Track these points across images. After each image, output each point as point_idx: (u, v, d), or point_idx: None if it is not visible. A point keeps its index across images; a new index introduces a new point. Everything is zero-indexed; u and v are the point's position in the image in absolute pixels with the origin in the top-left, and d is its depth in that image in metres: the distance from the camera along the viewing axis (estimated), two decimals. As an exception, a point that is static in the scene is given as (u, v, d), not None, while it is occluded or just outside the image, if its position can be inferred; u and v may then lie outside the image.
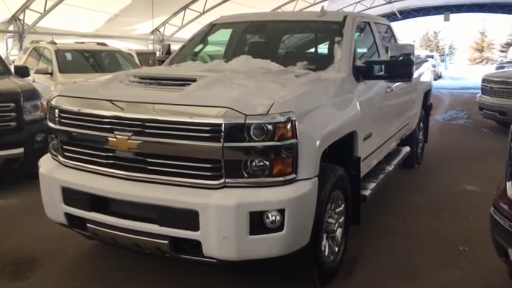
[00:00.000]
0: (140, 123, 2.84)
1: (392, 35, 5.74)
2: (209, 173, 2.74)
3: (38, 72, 9.34)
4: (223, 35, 4.81)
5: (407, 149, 5.93)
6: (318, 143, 2.96)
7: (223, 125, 2.66)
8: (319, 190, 3.01)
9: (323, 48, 4.40)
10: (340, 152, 3.55)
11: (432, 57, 30.29)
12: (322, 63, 3.97)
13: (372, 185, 4.33)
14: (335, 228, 3.40)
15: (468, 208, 5.08)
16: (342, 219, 3.53)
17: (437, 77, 28.82)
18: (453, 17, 31.83)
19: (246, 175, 2.73)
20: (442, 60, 38.24)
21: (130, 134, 2.87)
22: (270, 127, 2.67)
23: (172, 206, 2.77)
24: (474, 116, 11.81)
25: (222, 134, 2.66)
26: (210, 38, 4.79)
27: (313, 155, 2.92)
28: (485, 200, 5.55)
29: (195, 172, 2.77)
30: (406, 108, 5.72)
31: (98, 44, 11.43)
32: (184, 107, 2.78)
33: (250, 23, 4.85)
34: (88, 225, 3.08)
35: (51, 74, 9.26)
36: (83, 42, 12.09)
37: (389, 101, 4.81)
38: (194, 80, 3.09)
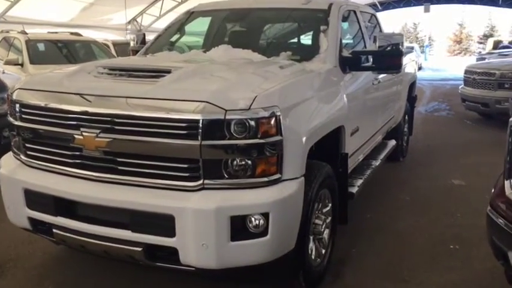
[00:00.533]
0: (109, 119, 2.57)
1: (377, 24, 5.54)
2: (186, 174, 2.50)
3: (7, 63, 8.92)
4: (201, 24, 4.53)
5: (393, 142, 5.76)
6: (304, 139, 2.73)
7: (200, 121, 2.41)
8: (306, 190, 2.80)
9: (308, 38, 4.16)
10: (327, 148, 3.34)
11: (412, 48, 30.32)
12: (307, 53, 3.75)
13: (359, 182, 4.13)
14: (322, 230, 3.19)
15: (456, 204, 4.94)
16: (329, 220, 3.31)
17: (418, 68, 28.88)
18: (433, 8, 31.93)
19: (226, 176, 2.49)
20: (422, 52, 38.38)
21: (98, 131, 2.60)
22: (252, 123, 2.43)
23: (146, 210, 2.52)
24: (456, 107, 11.74)
25: (200, 131, 2.41)
26: (188, 27, 4.51)
27: (300, 153, 2.70)
28: (472, 194, 5.46)
29: (171, 173, 2.52)
30: (392, 100, 5.54)
31: (72, 34, 11.00)
32: (157, 101, 2.52)
33: (230, 10, 4.57)
34: (54, 230, 2.81)
35: (21, 65, 8.85)
36: (56, 32, 11.63)
37: (377, 94, 4.61)
38: (169, 72, 2.82)
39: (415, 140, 7.72)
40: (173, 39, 4.43)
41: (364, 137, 4.27)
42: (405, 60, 6.52)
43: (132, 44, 4.71)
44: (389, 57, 3.70)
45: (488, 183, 3.08)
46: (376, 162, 4.85)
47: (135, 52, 4.61)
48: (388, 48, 3.72)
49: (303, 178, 2.72)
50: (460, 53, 57.57)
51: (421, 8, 29.41)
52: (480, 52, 35.34)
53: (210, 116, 2.41)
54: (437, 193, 5.28)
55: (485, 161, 6.67)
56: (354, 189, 3.91)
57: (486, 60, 14.79)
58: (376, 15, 5.57)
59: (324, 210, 3.25)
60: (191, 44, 4.43)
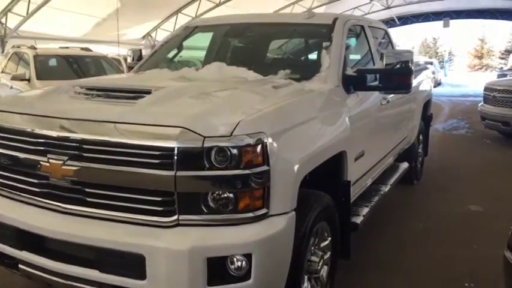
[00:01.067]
0: (77, 145, 2.32)
1: (390, 41, 5.23)
2: (159, 208, 2.22)
3: (14, 78, 8.85)
4: (201, 39, 4.29)
5: (405, 165, 5.41)
6: (296, 169, 2.43)
7: (175, 149, 2.13)
8: (299, 225, 2.49)
9: (310, 55, 3.88)
10: (326, 176, 3.04)
11: (431, 63, 29.84)
12: (307, 71, 3.46)
13: (365, 210, 3.80)
14: (319, 267, 2.86)
15: (473, 233, 4.56)
16: (327, 255, 2.99)
17: (437, 84, 28.33)
18: (452, 23, 31.43)
19: (205, 211, 2.20)
20: (442, 67, 37.80)
21: (65, 158, 2.34)
22: (234, 151, 2.15)
23: (114, 248, 2.24)
24: (475, 125, 11.30)
25: (175, 160, 2.14)
26: (187, 43, 4.27)
27: (290, 184, 2.40)
28: (490, 222, 5.06)
29: (143, 206, 2.24)
30: (404, 120, 5.21)
31: (82, 49, 10.92)
32: (129, 126, 2.26)
33: (230, 25, 4.33)
34: (20, 266, 2.55)
35: (28, 80, 8.75)
36: (67, 47, 11.59)
37: (386, 114, 4.29)
38: (149, 92, 2.57)
39: (430, 161, 7.33)
40: (170, 55, 4.19)
41: (371, 162, 3.94)
42: (420, 77, 6.22)
43: (128, 59, 4.45)
44: (397, 76, 3.39)
45: (507, 209, 2.73)
46: (386, 188, 4.51)
47: (130, 69, 4.39)
48: (398, 66, 3.43)
49: (293, 213, 2.41)
50: (480, 68, 56.66)
51: (441, 23, 28.97)
52: (502, 68, 34.64)
53: (186, 143, 2.14)
54: (453, 220, 4.90)
55: (504, 185, 6.28)
56: (359, 219, 3.58)
57: (508, 77, 14.32)
58: (388, 31, 5.27)
59: (322, 245, 2.93)
60: (189, 59, 4.19)
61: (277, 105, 2.53)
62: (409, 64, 3.40)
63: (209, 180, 2.17)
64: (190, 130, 2.15)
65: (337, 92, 3.29)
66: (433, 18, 28.26)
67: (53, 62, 9.79)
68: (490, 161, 7.80)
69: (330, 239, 2.99)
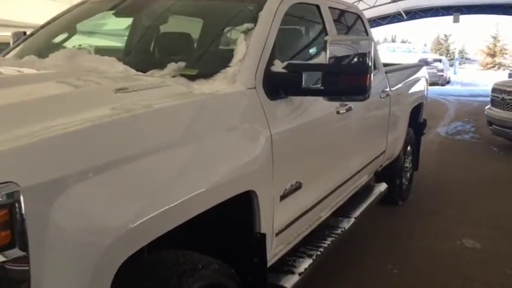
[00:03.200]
0: None
1: (365, 31, 4.11)
2: None
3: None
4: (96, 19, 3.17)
5: (382, 187, 4.28)
6: (105, 251, 1.32)
7: None
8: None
9: (222, 43, 2.75)
10: (224, 228, 1.96)
11: (440, 61, 28.48)
12: (210, 66, 2.37)
13: (306, 264, 2.69)
14: None
15: (463, 284, 3.44)
16: None
17: (446, 82, 27.01)
18: (465, 20, 29.91)
19: None
20: (451, 65, 36.30)
21: None
22: None
23: None
24: (482, 129, 10.09)
25: None
26: (77, 23, 3.16)
27: (90, 281, 1.30)
28: (488, 265, 3.71)
29: None
30: (379, 131, 4.08)
31: None
32: None
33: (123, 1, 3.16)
34: None
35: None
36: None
37: (346, 126, 3.18)
38: None
39: (424, 173, 6.21)
40: (53, 39, 3.08)
41: (318, 194, 2.83)
42: (409, 77, 5.10)
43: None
44: (346, 75, 2.28)
45: None
46: (347, 223, 3.40)
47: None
48: (355, 59, 2.31)
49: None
50: (493, 67, 54.82)
51: (451, 18, 27.50)
52: (514, 66, 33.16)
53: None
54: (440, 263, 3.77)
55: (508, 207, 5.16)
56: (290, 283, 2.48)
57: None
58: (363, 15, 4.13)
59: None
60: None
61: (80, 126, 1.39)
62: (366, 58, 2.28)
63: None
64: None
65: (249, 98, 2.17)
66: (442, 13, 26.70)
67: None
68: (494, 175, 6.63)
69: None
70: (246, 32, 2.38)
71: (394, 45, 46.08)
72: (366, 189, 4.11)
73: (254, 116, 2.14)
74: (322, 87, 2.28)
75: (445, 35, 63.73)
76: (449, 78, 28.93)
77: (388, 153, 4.42)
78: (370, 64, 2.27)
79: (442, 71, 26.48)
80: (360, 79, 2.27)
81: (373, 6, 22.89)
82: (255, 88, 2.20)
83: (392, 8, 25.79)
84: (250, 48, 2.29)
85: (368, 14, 26.39)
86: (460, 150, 8.59)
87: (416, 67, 5.63)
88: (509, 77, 17.19)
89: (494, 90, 8.66)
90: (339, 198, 3.33)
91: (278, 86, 2.32)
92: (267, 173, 2.12)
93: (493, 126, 8.48)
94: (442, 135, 10.00)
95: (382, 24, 28.58)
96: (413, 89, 5.12)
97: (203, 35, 2.78)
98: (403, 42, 70.01)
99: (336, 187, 3.14)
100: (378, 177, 4.68)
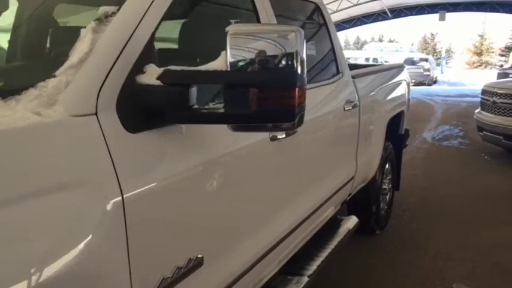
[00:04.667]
0: None
1: (325, 24, 3.22)
2: None
3: None
4: None
5: (350, 223, 3.37)
6: None
7: None
8: None
9: (56, 37, 1.83)
10: None
11: (426, 60, 27.81)
12: (21, 76, 1.45)
13: None
14: None
15: None
16: None
17: (432, 82, 26.32)
18: (451, 18, 29.30)
19: None
20: (438, 64, 35.67)
21: None
22: None
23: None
24: (471, 133, 9.27)
25: None
26: None
27: None
28: None
29: None
30: (344, 153, 3.19)
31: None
32: None
33: None
34: None
35: None
36: None
37: (286, 157, 2.27)
38: None
39: (408, 188, 5.37)
40: None
41: (245, 258, 1.92)
42: (394, 78, 4.25)
43: None
44: (259, 90, 1.37)
45: None
46: (300, 283, 2.50)
47: None
48: (281, 62, 1.39)
49: None
50: (480, 65, 54.47)
51: (437, 16, 26.85)
52: (502, 66, 32.65)
53: None
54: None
55: (506, 235, 4.32)
56: None
57: (510, 77, 12.26)
58: (323, 6, 3.24)
59: None
60: None
61: None
62: (294, 61, 1.37)
63: None
64: None
65: (79, 133, 1.25)
66: (428, 10, 26.00)
67: None
68: (489, 191, 5.77)
69: None
70: (102, 19, 1.46)
71: (381, 45, 45.66)
72: (331, 227, 3.22)
73: (86, 166, 1.21)
74: (222, 110, 1.37)
75: (432, 34, 63.48)
76: (436, 77, 28.27)
77: (360, 177, 3.53)
78: (298, 70, 1.36)
79: (428, 70, 25.79)
80: (283, 96, 1.36)
81: (357, 4, 22.14)
82: (95, 114, 1.28)
83: (376, 6, 25.05)
84: (98, 45, 1.37)
85: (352, 12, 25.65)
86: (448, 159, 7.73)
87: (396, 68, 4.75)
88: (498, 77, 16.42)
89: (484, 92, 7.85)
90: (290, 248, 2.43)
91: (148, 107, 1.41)
92: (114, 264, 1.21)
93: (484, 132, 7.66)
94: (429, 141, 9.16)
95: (367, 23, 27.85)
96: (391, 95, 4.25)
97: (17, 23, 1.84)
98: (391, 41, 69.87)
99: (281, 238, 2.23)
100: (350, 205, 3.82)
